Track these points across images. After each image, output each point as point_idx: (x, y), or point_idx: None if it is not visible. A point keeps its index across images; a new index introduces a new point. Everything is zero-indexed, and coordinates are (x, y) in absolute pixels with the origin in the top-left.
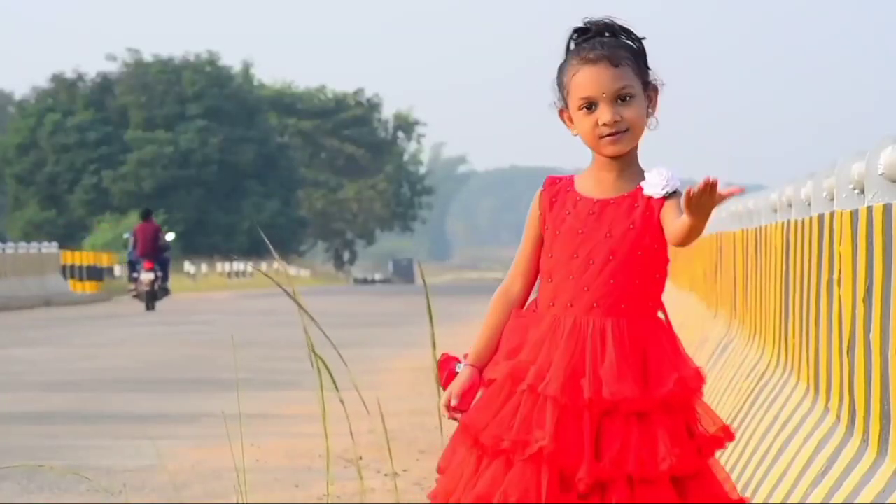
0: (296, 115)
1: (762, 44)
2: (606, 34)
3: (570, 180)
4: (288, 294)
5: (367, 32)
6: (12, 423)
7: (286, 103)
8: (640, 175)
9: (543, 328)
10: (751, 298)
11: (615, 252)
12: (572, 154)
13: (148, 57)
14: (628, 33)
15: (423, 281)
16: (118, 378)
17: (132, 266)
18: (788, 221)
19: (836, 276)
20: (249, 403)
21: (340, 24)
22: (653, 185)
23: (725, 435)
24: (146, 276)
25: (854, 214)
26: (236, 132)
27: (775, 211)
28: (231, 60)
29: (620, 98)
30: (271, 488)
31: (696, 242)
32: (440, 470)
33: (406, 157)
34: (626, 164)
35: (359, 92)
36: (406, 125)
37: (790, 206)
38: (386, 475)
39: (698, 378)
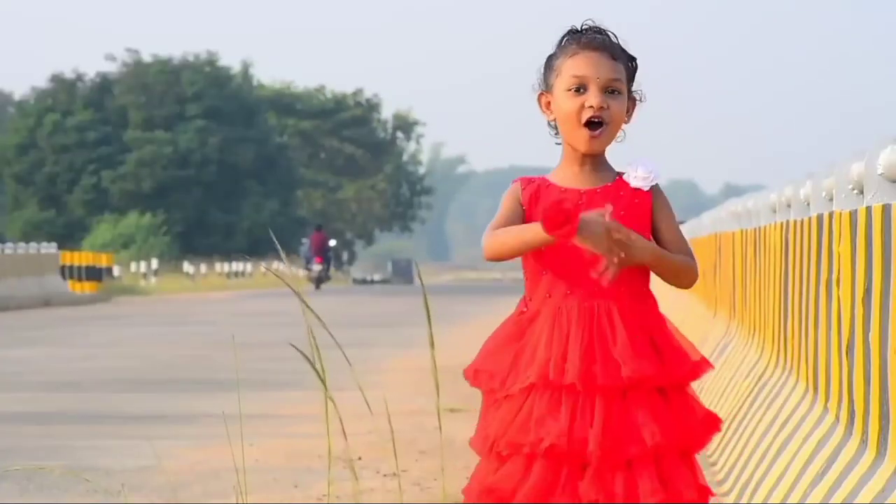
0: (295, 116)
1: (761, 44)
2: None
3: (544, 179)
4: (297, 294)
5: (367, 32)
6: (11, 424)
7: (285, 103)
8: (613, 171)
9: (546, 322)
10: (750, 298)
11: None
12: None
13: (147, 57)
14: (623, 49)
15: (421, 281)
16: (117, 378)
17: (307, 261)
18: (787, 221)
19: (835, 276)
20: (249, 404)
21: (340, 24)
22: (638, 178)
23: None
24: (316, 268)
25: (853, 215)
26: (235, 132)
27: (774, 211)
28: (230, 60)
29: (610, 90)
30: (271, 488)
31: (694, 244)
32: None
33: (405, 158)
34: (601, 161)
35: (358, 92)
36: (405, 125)
37: (789, 206)
38: (385, 475)
39: (708, 364)
